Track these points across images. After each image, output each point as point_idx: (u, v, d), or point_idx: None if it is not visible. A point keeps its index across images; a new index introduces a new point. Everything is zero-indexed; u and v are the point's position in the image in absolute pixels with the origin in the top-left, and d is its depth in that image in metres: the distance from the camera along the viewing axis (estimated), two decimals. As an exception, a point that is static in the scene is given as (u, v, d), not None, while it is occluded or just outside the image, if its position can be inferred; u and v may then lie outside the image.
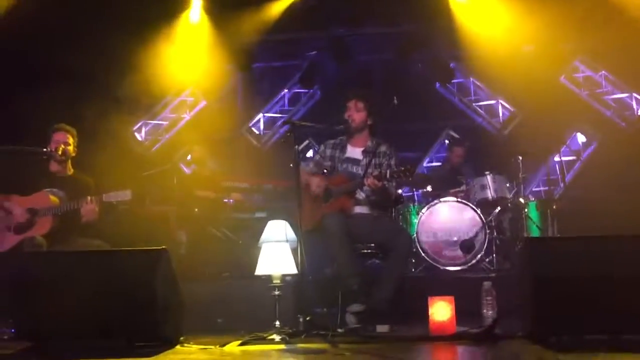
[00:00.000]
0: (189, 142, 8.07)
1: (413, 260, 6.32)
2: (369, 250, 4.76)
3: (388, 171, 4.39)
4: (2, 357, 3.45)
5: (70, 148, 4.96)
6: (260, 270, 3.93)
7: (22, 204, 4.74)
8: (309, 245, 4.14)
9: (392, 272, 4.40)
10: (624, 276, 3.14)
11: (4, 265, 4.47)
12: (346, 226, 4.40)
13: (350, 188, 4.59)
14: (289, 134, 4.28)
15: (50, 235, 4.67)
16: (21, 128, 6.18)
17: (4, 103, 6.72)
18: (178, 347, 3.58)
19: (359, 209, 4.69)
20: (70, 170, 5.03)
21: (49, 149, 4.89)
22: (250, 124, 9.34)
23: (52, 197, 4.77)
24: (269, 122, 9.40)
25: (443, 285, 5.18)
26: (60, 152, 4.88)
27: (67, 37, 6.85)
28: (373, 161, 4.65)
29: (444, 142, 8.76)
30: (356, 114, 4.72)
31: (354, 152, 4.78)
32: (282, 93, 9.40)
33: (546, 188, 7.37)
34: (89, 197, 4.66)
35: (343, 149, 4.81)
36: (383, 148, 4.74)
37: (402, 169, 4.30)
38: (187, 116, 9.43)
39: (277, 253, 3.92)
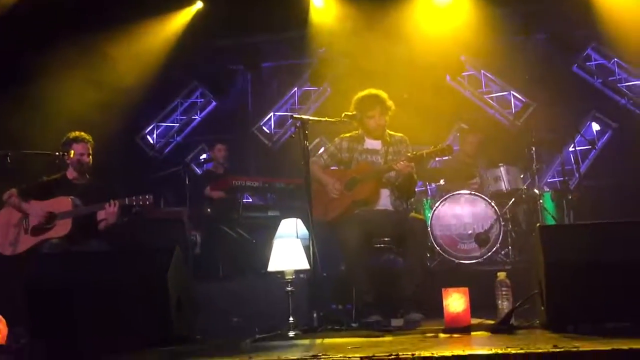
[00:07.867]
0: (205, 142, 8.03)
1: (428, 255, 6.27)
2: (384, 245, 4.76)
3: (425, 151, 4.44)
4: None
5: (89, 159, 5.00)
6: (273, 266, 3.92)
7: (41, 207, 4.79)
8: (322, 242, 4.14)
9: (415, 259, 4.41)
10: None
11: (20, 268, 4.53)
12: (364, 235, 4.40)
13: (376, 173, 4.61)
14: (297, 131, 4.27)
15: (67, 238, 4.70)
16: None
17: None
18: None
19: (382, 205, 4.68)
20: (87, 178, 5.06)
21: (66, 155, 4.91)
22: (261, 123, 9.33)
23: (72, 201, 4.81)
24: (280, 121, 9.37)
25: (458, 278, 5.11)
26: (78, 164, 4.93)
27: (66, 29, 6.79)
28: (391, 149, 4.73)
29: (456, 135, 8.65)
30: (382, 119, 4.73)
31: (372, 143, 4.82)
32: (292, 91, 9.38)
33: (561, 178, 7.25)
34: (111, 201, 4.68)
35: (361, 141, 4.82)
36: (398, 137, 4.86)
37: (441, 146, 4.37)
38: (197, 117, 9.46)
39: (288, 249, 3.91)
